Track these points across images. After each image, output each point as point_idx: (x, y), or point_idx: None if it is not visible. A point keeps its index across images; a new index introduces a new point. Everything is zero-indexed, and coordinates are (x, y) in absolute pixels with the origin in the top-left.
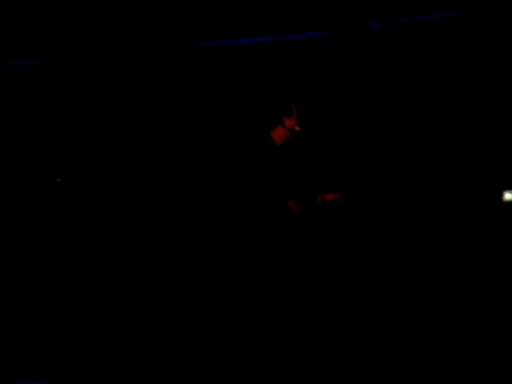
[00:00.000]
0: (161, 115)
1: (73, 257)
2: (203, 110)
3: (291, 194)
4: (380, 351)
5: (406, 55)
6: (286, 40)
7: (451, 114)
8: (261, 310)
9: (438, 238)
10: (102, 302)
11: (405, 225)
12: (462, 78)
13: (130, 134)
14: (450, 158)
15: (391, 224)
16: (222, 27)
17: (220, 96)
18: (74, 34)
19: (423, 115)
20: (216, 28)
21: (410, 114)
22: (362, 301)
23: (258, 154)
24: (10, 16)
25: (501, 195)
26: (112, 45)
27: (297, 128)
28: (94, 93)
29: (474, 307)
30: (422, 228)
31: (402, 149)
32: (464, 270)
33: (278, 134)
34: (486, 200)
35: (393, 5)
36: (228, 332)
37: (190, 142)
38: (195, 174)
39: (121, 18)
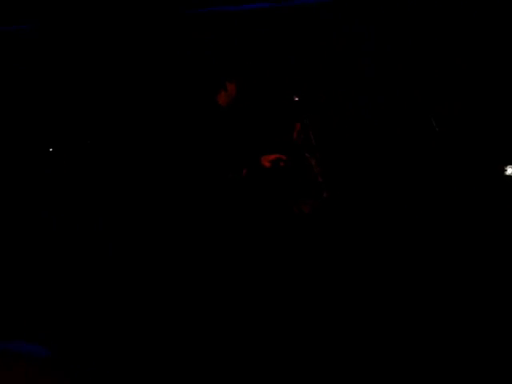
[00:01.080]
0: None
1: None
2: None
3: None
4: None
5: None
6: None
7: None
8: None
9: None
10: (100, 301)
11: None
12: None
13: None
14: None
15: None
16: None
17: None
18: None
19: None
20: None
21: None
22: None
23: (205, 117)
24: None
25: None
26: (112, 8)
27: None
28: (91, 59)
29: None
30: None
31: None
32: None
33: (222, 99)
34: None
35: None
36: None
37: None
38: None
39: None
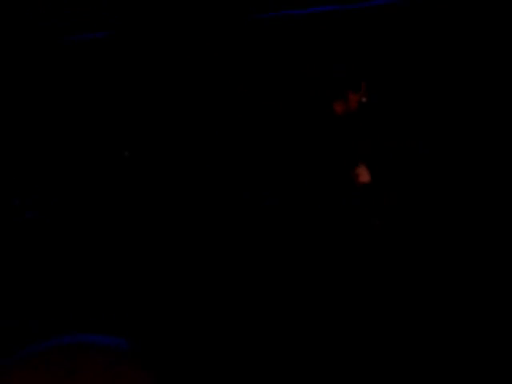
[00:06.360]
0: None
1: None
2: (266, 81)
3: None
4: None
5: None
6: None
7: None
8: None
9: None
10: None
11: None
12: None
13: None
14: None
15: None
16: None
17: (286, 66)
18: (144, 5)
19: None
20: None
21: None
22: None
23: (320, 124)
24: None
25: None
26: (181, 16)
27: (364, 99)
28: (165, 67)
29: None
30: None
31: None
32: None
33: (340, 107)
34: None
35: None
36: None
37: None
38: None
39: None
